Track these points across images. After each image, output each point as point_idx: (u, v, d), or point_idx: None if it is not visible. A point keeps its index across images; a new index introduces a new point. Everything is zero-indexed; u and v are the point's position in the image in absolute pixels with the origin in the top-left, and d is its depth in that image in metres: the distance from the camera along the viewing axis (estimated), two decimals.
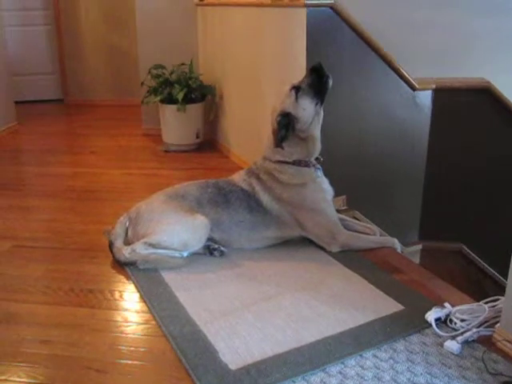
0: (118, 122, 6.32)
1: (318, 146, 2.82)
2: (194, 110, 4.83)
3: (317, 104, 2.74)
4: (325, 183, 2.86)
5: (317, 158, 2.84)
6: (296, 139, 2.75)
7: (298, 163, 2.79)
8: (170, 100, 4.74)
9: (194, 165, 4.57)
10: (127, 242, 2.74)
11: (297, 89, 2.71)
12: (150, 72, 4.88)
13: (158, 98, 4.78)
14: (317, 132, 2.79)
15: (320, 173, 2.84)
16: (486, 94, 3.63)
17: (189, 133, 4.90)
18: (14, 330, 2.20)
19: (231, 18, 4.45)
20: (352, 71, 3.38)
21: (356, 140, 3.49)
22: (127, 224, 2.79)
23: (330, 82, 2.73)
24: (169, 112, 4.83)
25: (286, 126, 2.70)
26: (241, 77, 4.41)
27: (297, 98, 2.71)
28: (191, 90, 4.76)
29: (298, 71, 3.29)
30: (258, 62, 4.00)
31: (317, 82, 2.72)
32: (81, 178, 4.23)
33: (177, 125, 4.88)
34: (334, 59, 3.27)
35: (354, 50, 3.36)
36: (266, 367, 1.90)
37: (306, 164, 2.80)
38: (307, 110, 2.71)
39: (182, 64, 4.89)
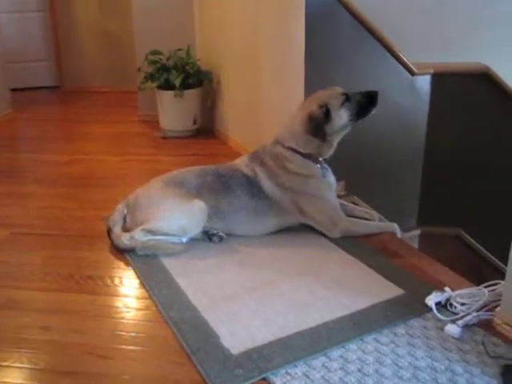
0: (115, 108, 6.28)
1: (331, 152, 2.85)
2: (192, 95, 4.80)
3: (351, 120, 2.76)
4: (330, 177, 2.88)
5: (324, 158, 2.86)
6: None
7: (308, 156, 2.79)
8: (167, 86, 4.71)
9: (192, 151, 4.55)
10: (126, 229, 2.73)
11: (347, 98, 2.74)
12: (146, 58, 4.85)
13: (155, 83, 4.76)
14: (336, 141, 2.84)
15: (326, 170, 2.85)
16: (484, 78, 3.61)
17: (186, 119, 4.89)
18: (14, 317, 2.20)
19: (229, 1, 4.42)
20: (350, 56, 3.36)
21: (354, 125, 3.48)
22: (125, 211, 2.78)
23: (373, 112, 2.78)
24: (166, 98, 4.80)
25: (325, 116, 2.71)
26: (238, 62, 4.38)
27: (342, 104, 2.73)
28: (188, 76, 4.73)
29: (296, 56, 3.27)
30: (256, 47, 3.97)
31: (364, 105, 2.76)
32: (78, 165, 4.21)
33: (174, 111, 4.86)
34: (332, 43, 3.26)
35: (353, 34, 3.34)
36: (267, 352, 1.91)
37: (315, 160, 2.81)
38: (342, 120, 2.74)
39: (179, 49, 4.85)
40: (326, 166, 2.85)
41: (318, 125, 2.72)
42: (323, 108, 2.71)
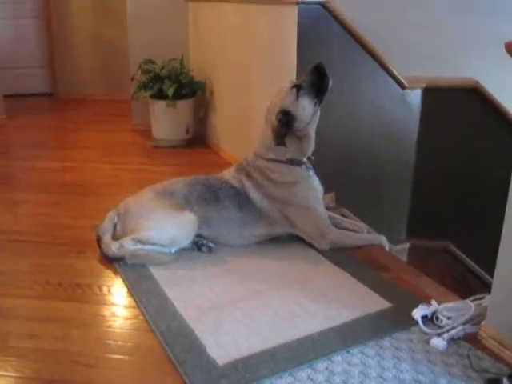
0: (108, 116, 6.29)
1: (312, 146, 2.82)
2: (184, 105, 4.82)
3: (315, 104, 2.74)
4: (315, 182, 2.87)
5: (308, 157, 2.85)
6: (291, 138, 2.75)
7: (290, 162, 2.80)
8: (160, 95, 4.72)
9: (184, 161, 4.56)
10: (115, 238, 2.73)
11: (298, 88, 2.71)
12: (140, 67, 4.87)
13: (148, 93, 4.77)
14: (312, 132, 2.80)
15: (311, 172, 2.85)
16: (474, 93, 3.66)
17: (178, 128, 4.90)
18: (0, 324, 2.19)
19: (223, 14, 4.45)
20: (342, 69, 3.39)
21: (345, 138, 3.51)
22: (116, 219, 2.78)
23: (330, 83, 2.73)
24: (159, 107, 4.81)
25: (286, 125, 2.70)
26: (231, 73, 4.40)
27: (298, 96, 2.71)
28: (181, 86, 4.75)
29: (289, 69, 3.30)
30: (249, 59, 4.00)
31: (318, 82, 2.72)
32: (70, 173, 4.21)
33: (166, 120, 4.87)
34: (324, 57, 3.25)
35: (345, 48, 3.38)
36: (253, 363, 1.91)
37: (299, 163, 2.81)
38: (306, 109, 2.72)
39: (173, 59, 4.87)
40: (310, 166, 2.84)
41: (277, 136, 2.72)
42: (279, 115, 2.70)
